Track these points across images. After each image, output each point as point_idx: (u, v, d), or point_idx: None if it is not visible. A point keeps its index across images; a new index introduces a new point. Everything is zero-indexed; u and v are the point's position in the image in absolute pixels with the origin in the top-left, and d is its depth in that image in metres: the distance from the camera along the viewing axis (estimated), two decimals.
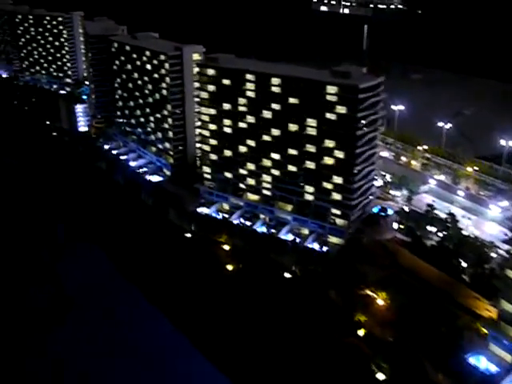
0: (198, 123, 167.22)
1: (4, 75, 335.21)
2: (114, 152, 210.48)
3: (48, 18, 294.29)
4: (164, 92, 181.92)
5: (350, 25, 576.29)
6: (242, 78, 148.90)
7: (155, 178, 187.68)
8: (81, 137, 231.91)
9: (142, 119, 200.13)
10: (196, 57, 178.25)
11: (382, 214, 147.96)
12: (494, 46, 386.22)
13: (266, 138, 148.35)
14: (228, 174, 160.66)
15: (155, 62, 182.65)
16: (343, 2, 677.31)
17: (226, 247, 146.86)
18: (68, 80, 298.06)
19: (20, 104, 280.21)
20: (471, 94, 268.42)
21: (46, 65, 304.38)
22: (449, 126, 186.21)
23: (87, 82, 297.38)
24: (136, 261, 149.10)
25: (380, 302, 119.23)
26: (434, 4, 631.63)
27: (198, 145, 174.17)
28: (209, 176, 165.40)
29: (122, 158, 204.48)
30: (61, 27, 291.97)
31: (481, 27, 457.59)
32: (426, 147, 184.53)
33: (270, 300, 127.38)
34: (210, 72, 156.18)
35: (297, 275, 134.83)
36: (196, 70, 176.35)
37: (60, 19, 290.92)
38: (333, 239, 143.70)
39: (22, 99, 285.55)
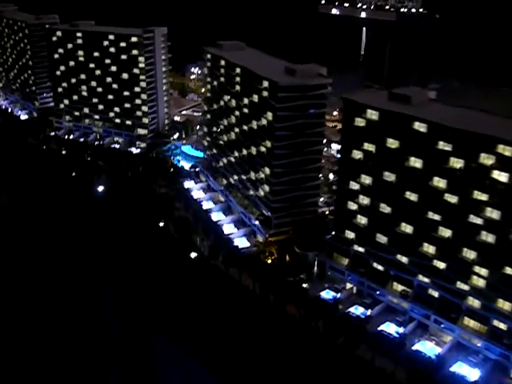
0: None
1: (23, 116, 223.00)
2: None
3: (115, 37, 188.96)
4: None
5: (372, 30, 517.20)
6: None
7: None
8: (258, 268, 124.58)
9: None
10: None
11: None
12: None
13: None
14: None
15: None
16: (359, 5, 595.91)
17: None
18: (142, 132, 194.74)
19: (89, 184, 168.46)
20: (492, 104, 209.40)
21: (103, 107, 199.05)
22: None
23: (176, 136, 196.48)
24: None
25: None
26: (453, 8, 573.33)
27: None
28: None
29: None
30: (134, 51, 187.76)
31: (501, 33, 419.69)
32: None
33: None
34: None
35: None
36: None
37: (134, 39, 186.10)
38: None
39: (85, 170, 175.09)
